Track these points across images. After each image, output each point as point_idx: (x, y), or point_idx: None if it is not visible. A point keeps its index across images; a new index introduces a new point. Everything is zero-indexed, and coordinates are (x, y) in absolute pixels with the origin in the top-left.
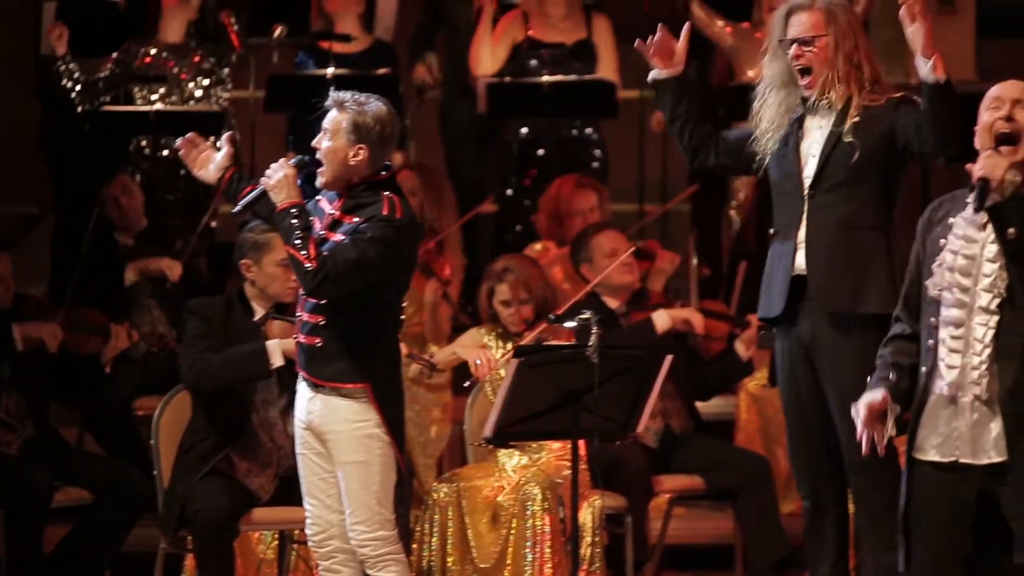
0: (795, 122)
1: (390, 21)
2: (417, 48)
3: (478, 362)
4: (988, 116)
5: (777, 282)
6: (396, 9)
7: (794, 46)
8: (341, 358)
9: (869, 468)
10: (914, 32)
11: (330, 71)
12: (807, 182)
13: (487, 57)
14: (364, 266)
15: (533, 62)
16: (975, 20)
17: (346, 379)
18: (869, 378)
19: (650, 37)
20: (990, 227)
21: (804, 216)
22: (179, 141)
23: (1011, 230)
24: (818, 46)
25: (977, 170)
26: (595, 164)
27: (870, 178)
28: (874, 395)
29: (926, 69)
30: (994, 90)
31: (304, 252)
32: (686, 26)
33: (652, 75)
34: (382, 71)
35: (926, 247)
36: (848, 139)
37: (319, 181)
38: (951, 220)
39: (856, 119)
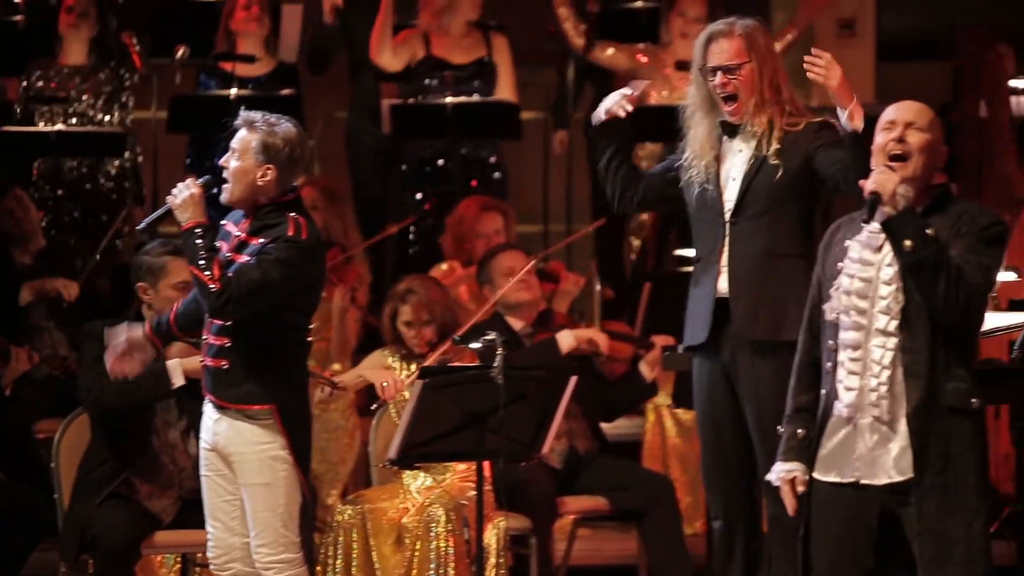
0: (716, 147)
1: (294, 43)
2: (316, 66)
3: (385, 384)
4: (882, 138)
5: (701, 311)
6: (300, 31)
7: (718, 74)
8: (247, 380)
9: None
10: (827, 84)
11: (233, 92)
12: (728, 207)
13: (388, 48)
14: (268, 287)
15: (434, 82)
16: (875, 44)
17: (252, 401)
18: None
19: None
20: (886, 249)
21: (726, 243)
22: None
23: (908, 243)
24: (742, 73)
25: (869, 185)
26: (495, 185)
27: (791, 204)
28: (789, 471)
29: (844, 118)
30: (888, 112)
31: (208, 273)
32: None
33: (595, 118)
34: (285, 92)
35: (825, 269)
36: (773, 161)
37: (223, 197)
38: (847, 243)
39: (778, 143)
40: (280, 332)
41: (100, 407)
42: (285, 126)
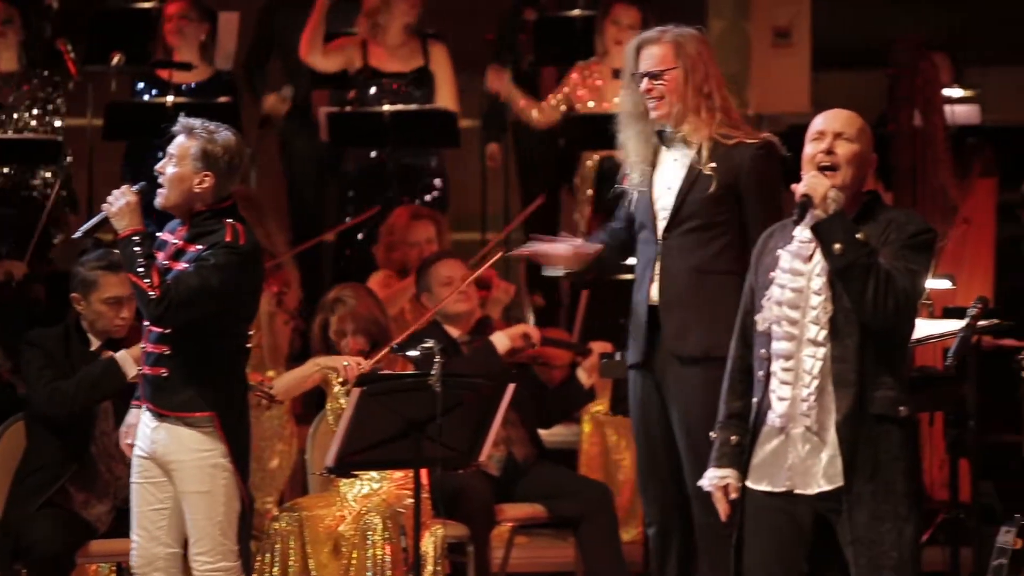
0: (651, 154)
1: (230, 51)
2: (252, 73)
3: (346, 363)
4: (811, 148)
5: (638, 327)
6: (237, 39)
7: (645, 80)
8: (187, 387)
9: (710, 497)
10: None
11: (170, 99)
12: (662, 220)
13: (319, 48)
14: (207, 293)
15: (372, 91)
16: (810, 53)
17: (193, 408)
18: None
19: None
20: (816, 259)
21: (659, 258)
22: None
23: (837, 245)
24: (668, 79)
25: (800, 188)
26: (435, 193)
27: (724, 219)
28: (722, 477)
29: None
30: (817, 122)
31: (147, 280)
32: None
33: (548, 272)
34: (222, 100)
35: (758, 277)
36: (707, 175)
37: (157, 202)
38: (779, 252)
39: (710, 151)
40: (219, 339)
41: (61, 413)
42: (224, 134)
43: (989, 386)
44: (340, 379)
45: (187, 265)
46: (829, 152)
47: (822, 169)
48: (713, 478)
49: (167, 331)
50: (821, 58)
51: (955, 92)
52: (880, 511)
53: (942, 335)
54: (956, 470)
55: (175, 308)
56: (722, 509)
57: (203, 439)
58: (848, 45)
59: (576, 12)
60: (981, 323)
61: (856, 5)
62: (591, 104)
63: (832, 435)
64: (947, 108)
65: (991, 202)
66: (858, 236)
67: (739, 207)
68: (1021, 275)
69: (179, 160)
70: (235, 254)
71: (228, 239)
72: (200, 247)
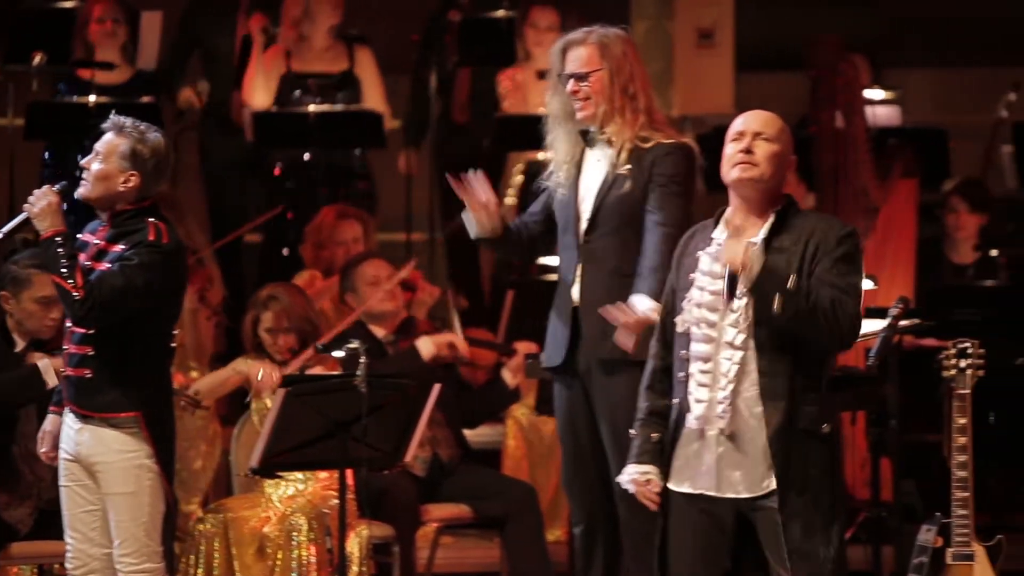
0: (578, 155)
1: (153, 51)
2: (173, 74)
3: (260, 375)
4: (731, 148)
5: (558, 329)
6: (159, 39)
7: (571, 81)
8: (112, 388)
9: (634, 496)
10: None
11: (92, 99)
12: (583, 223)
13: (262, 89)
14: (132, 293)
15: (298, 92)
16: (733, 54)
17: (117, 409)
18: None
19: (464, 184)
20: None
21: (579, 261)
22: None
23: (775, 306)
24: (593, 80)
25: (723, 262)
26: (361, 194)
27: (641, 220)
28: (644, 472)
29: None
30: (737, 122)
31: (71, 281)
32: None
33: (474, 235)
34: (144, 100)
35: (679, 278)
36: (624, 177)
37: (79, 192)
38: (698, 254)
39: (629, 152)
40: (143, 338)
41: None
42: (154, 135)
43: (910, 386)
44: (254, 390)
45: (110, 265)
46: (748, 151)
47: (739, 164)
48: (634, 474)
49: (90, 332)
50: (744, 59)
51: (876, 94)
52: (812, 524)
53: (864, 335)
54: (878, 469)
55: (99, 308)
56: (651, 503)
57: (128, 440)
58: (771, 46)
59: (500, 13)
60: (902, 323)
61: (778, 6)
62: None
63: (752, 443)
64: (868, 109)
65: (912, 203)
66: (790, 284)
67: None
68: (942, 275)
69: (106, 157)
70: (159, 253)
71: (151, 238)
72: (123, 246)
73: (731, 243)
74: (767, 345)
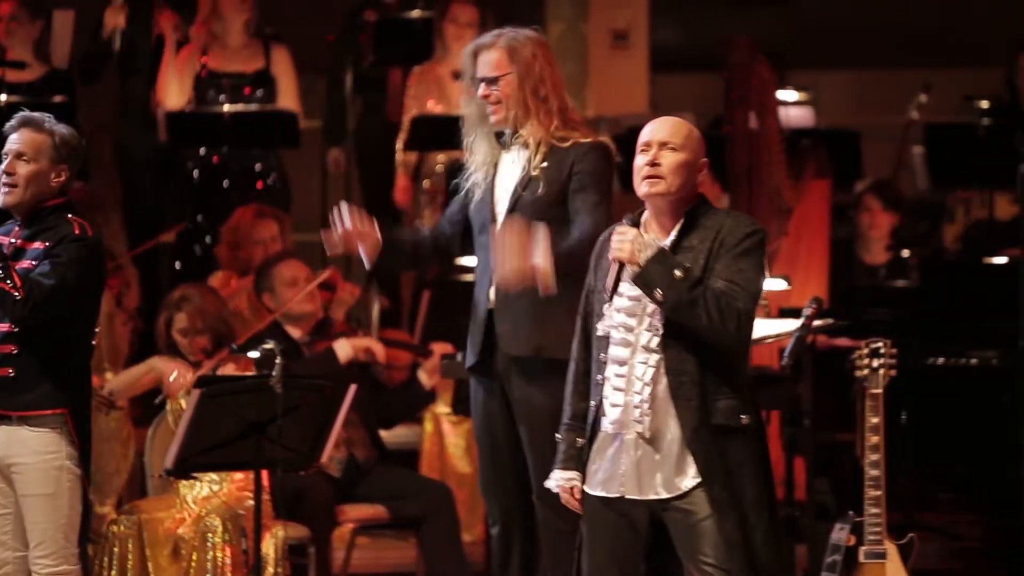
0: (495, 156)
1: (65, 49)
2: (87, 76)
3: (173, 376)
4: (639, 160)
5: (476, 329)
6: (72, 37)
7: (482, 85)
8: (36, 387)
9: (553, 497)
10: None
11: (3, 98)
12: (499, 219)
13: (175, 89)
14: (66, 290)
15: (212, 92)
16: (648, 55)
17: (43, 407)
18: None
19: (337, 223)
20: None
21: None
22: None
23: (658, 292)
24: (503, 84)
25: (611, 255)
26: (276, 194)
27: (557, 222)
28: (568, 479)
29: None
30: (644, 132)
31: (9, 282)
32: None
33: (368, 266)
34: (58, 99)
35: (596, 280)
36: (535, 174)
37: (4, 201)
38: None
39: (544, 154)
40: (68, 335)
41: None
42: (68, 128)
43: (824, 385)
44: (165, 393)
45: (34, 263)
46: (654, 164)
47: (647, 179)
48: (560, 480)
49: (14, 330)
50: (659, 60)
51: (789, 95)
52: (740, 517)
53: (778, 335)
54: (791, 468)
55: (39, 307)
56: (577, 507)
57: (48, 440)
58: (685, 48)
59: (416, 13)
60: (816, 323)
61: (692, 8)
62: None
63: (669, 444)
64: (781, 111)
65: (825, 203)
66: (677, 273)
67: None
68: (855, 276)
69: (35, 156)
70: (86, 247)
71: (77, 232)
72: (45, 243)
73: (620, 235)
74: (674, 345)
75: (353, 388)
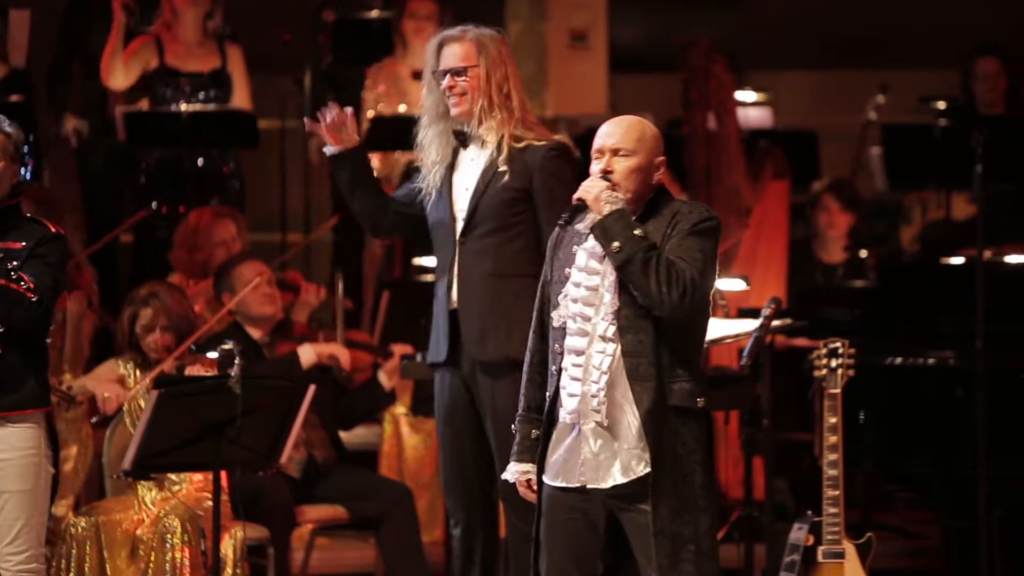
0: (451, 155)
1: (23, 49)
2: (56, 84)
3: (106, 395)
4: (593, 166)
5: (440, 327)
6: (28, 36)
7: (447, 76)
8: (20, 386)
9: (517, 498)
10: None
11: None
12: (459, 223)
13: (120, 70)
14: (59, 290)
15: (168, 91)
16: (607, 55)
17: (27, 406)
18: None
19: (321, 117)
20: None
21: (456, 261)
22: None
23: (615, 244)
24: (470, 76)
25: (578, 192)
26: (233, 194)
27: (520, 223)
28: (524, 471)
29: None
30: (597, 138)
31: (23, 283)
32: (349, 111)
33: (327, 150)
34: (15, 98)
35: (553, 271)
36: (502, 178)
37: None
38: (575, 249)
39: (507, 158)
40: (42, 336)
41: None
42: (14, 125)
43: (782, 385)
44: (98, 416)
45: (15, 263)
46: (607, 172)
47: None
48: (515, 472)
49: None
50: (617, 61)
51: (747, 96)
52: (680, 504)
53: (737, 335)
54: (750, 468)
55: (48, 309)
56: (530, 500)
57: (28, 436)
58: (644, 48)
59: (374, 13)
60: (774, 323)
61: (651, 9)
62: (402, 107)
63: (625, 429)
64: (740, 111)
65: (783, 203)
66: (637, 232)
67: (533, 209)
68: (813, 275)
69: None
70: (64, 245)
71: (54, 231)
72: (21, 243)
73: (594, 177)
74: (630, 328)
75: (312, 389)
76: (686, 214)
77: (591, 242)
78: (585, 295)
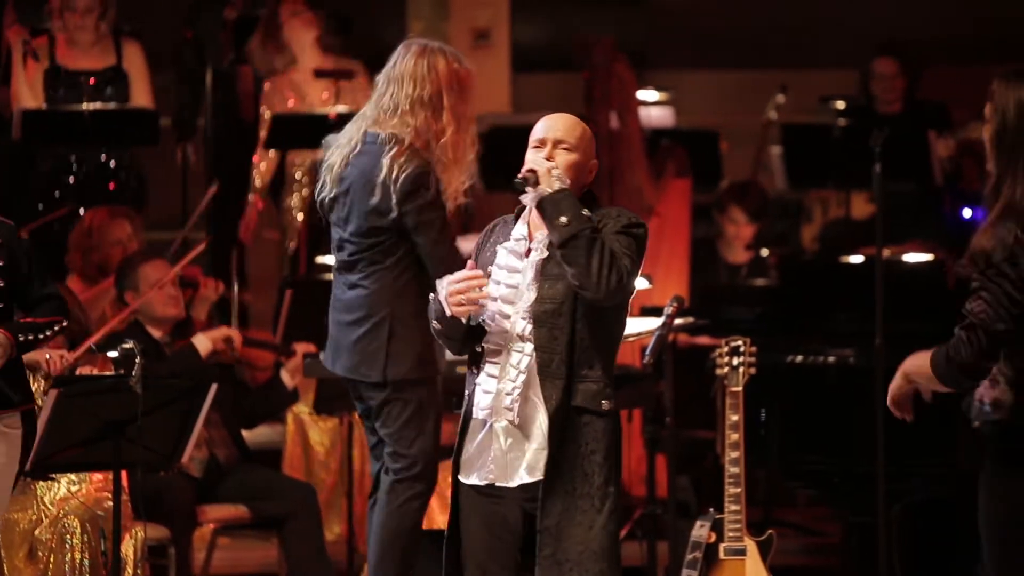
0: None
1: None
2: None
3: (48, 357)
4: (531, 155)
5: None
6: None
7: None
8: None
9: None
10: None
11: None
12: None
13: (26, 92)
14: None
15: (63, 90)
16: (509, 54)
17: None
18: None
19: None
20: (532, 256)
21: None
22: None
23: (563, 218)
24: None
25: (526, 166)
26: (132, 193)
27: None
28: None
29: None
30: (539, 128)
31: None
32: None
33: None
34: None
35: (478, 265)
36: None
37: None
38: (497, 248)
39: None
40: None
41: None
42: None
43: (685, 384)
44: (43, 373)
45: None
46: (548, 161)
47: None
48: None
49: None
50: (520, 60)
51: (649, 95)
52: (574, 504)
53: (639, 334)
54: (653, 466)
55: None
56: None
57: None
58: (546, 47)
59: None
60: (677, 322)
61: (553, 8)
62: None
63: (537, 428)
64: (642, 111)
65: (685, 203)
66: (584, 212)
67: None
68: (717, 275)
69: None
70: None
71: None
72: None
73: (537, 156)
74: (546, 323)
75: (214, 388)
76: (614, 217)
77: (512, 241)
78: (505, 293)
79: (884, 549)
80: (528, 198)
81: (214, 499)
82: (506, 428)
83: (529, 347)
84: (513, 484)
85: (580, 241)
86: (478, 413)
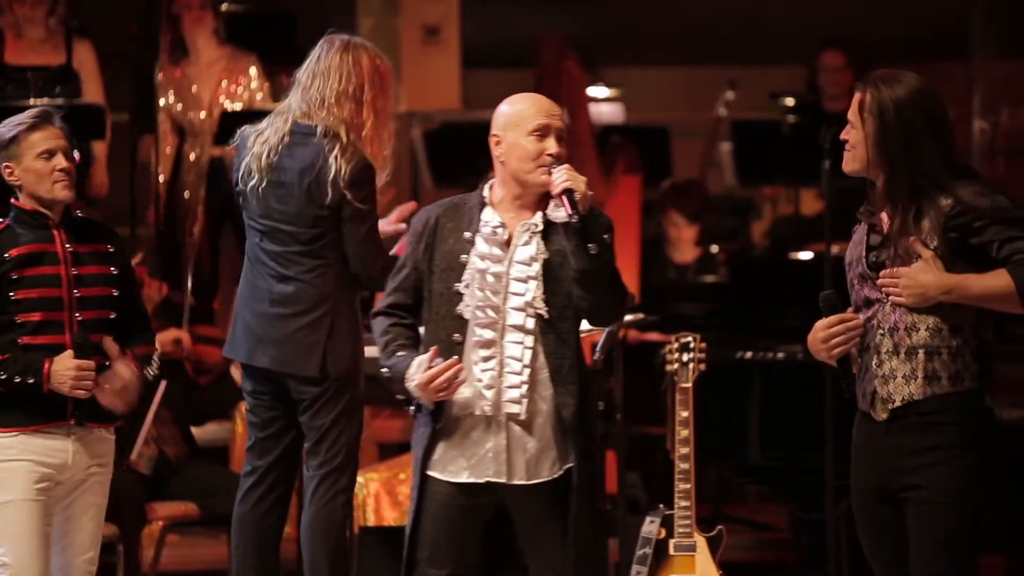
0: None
1: None
2: None
3: None
4: (531, 145)
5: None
6: None
7: None
8: None
9: None
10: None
11: None
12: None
13: None
14: None
15: (11, 87)
16: (460, 51)
17: None
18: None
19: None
20: (513, 245)
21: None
22: None
23: (592, 246)
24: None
25: (559, 181)
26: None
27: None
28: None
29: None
30: (541, 115)
31: (150, 368)
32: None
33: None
34: None
35: (436, 259)
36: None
37: None
38: (467, 235)
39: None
40: None
41: None
42: None
43: (635, 380)
44: None
45: None
46: (557, 152)
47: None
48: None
49: None
50: (470, 56)
51: (599, 91)
52: (593, 497)
53: (589, 330)
54: (603, 462)
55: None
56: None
57: None
58: (496, 44)
59: (224, 7)
60: (627, 318)
61: (503, 4)
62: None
63: (542, 428)
64: (591, 107)
65: (635, 199)
66: (605, 237)
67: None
68: (665, 271)
69: None
70: None
71: None
72: None
73: (569, 168)
74: (551, 330)
75: (163, 384)
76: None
77: (488, 229)
78: (491, 283)
79: (833, 544)
80: (560, 216)
81: (163, 496)
82: (508, 424)
83: (529, 339)
84: (512, 482)
85: (603, 274)
86: (479, 408)
